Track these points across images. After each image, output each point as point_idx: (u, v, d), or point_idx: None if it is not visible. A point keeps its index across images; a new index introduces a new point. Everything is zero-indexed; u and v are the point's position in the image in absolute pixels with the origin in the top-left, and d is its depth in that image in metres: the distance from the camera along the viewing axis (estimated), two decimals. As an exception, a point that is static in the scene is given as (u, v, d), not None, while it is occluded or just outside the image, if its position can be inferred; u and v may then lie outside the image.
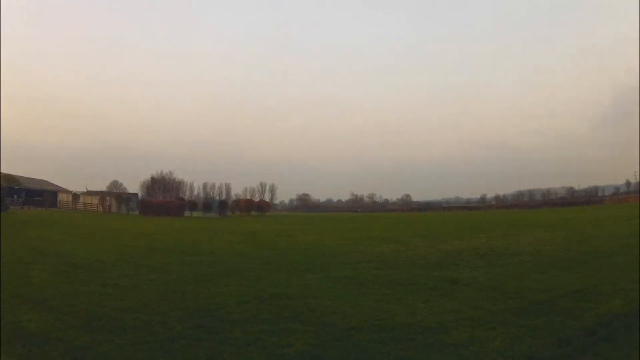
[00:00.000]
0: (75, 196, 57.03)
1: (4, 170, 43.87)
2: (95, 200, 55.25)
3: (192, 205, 59.43)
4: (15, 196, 46.15)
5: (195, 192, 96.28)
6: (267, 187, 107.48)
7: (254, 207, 66.07)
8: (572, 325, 5.23)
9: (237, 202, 71.60)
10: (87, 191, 60.84)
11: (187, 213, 53.88)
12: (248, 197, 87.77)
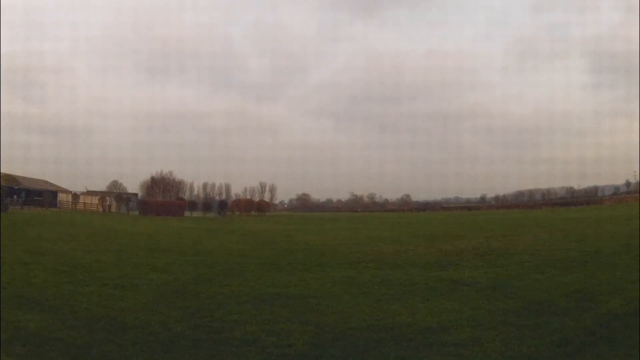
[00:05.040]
0: (75, 196, 57.00)
1: (4, 170, 43.90)
2: (95, 200, 55.24)
3: (192, 205, 59.45)
4: (15, 196, 46.12)
5: (195, 192, 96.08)
6: (267, 187, 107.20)
7: (254, 207, 66.02)
8: (572, 325, 5.23)
9: (237, 202, 71.53)
10: (87, 191, 60.79)
11: (187, 213, 53.88)
12: (248, 197, 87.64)
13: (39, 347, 4.76)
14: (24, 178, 55.70)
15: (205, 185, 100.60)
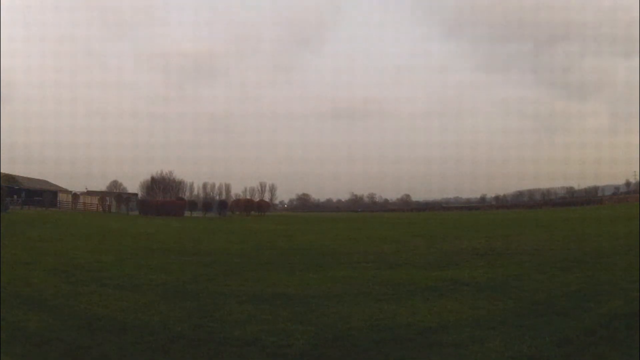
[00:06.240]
0: (75, 196, 57.02)
1: (4, 170, 43.92)
2: (95, 200, 55.25)
3: (192, 205, 59.44)
4: (15, 196, 46.13)
5: (195, 192, 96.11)
6: (267, 187, 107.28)
7: (254, 207, 65.99)
8: (572, 325, 5.23)
9: (237, 202, 71.55)
10: (87, 191, 60.81)
11: (187, 213, 53.88)
12: (248, 197, 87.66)
13: (39, 347, 4.76)
14: (24, 178, 55.72)
15: (205, 185, 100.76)
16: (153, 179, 77.28)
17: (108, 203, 54.61)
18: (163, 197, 70.60)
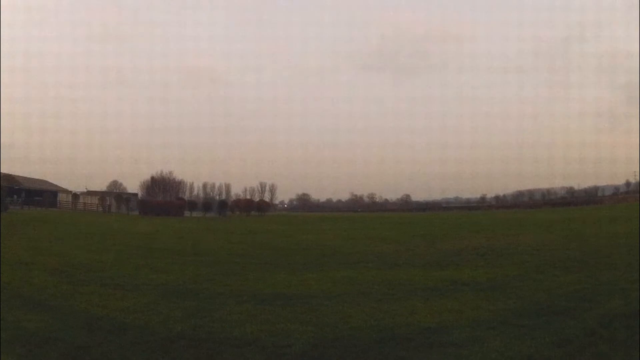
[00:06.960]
0: (75, 196, 57.02)
1: (4, 170, 43.91)
2: (95, 200, 55.24)
3: (192, 205, 59.43)
4: (15, 196, 46.12)
5: (195, 192, 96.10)
6: (267, 187, 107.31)
7: (254, 207, 65.98)
8: (572, 325, 5.23)
9: (237, 202, 71.55)
10: (87, 191, 60.82)
11: (187, 213, 53.88)
12: (248, 197, 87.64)
13: (39, 347, 4.76)
14: (24, 178, 55.73)
15: (205, 185, 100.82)
16: (153, 179, 77.23)
17: (108, 203, 54.60)
18: (163, 197, 70.57)
